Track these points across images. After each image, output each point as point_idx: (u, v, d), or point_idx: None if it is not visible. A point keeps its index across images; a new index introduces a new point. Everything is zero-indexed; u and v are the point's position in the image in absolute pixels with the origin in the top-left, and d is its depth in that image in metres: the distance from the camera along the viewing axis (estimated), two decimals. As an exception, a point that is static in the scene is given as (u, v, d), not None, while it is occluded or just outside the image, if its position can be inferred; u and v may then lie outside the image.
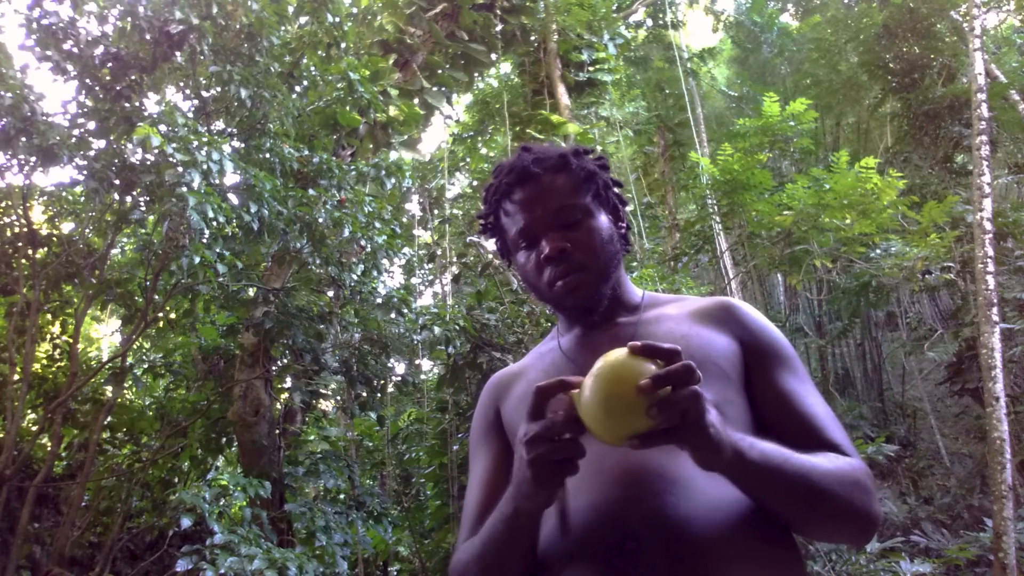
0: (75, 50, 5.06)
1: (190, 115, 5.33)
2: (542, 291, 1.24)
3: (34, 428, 6.16)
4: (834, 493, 1.00)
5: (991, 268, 5.93)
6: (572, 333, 1.29)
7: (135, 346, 6.41)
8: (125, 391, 6.62)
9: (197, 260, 4.33)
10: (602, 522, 1.01)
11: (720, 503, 1.00)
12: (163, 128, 4.43)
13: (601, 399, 0.85)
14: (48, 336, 6.25)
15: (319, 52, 6.67)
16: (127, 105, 5.16)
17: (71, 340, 5.70)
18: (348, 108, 6.49)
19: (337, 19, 6.57)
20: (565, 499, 1.07)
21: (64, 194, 5.86)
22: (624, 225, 1.31)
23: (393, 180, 6.08)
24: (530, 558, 1.07)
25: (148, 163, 4.84)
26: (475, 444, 1.32)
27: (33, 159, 4.95)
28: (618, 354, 0.89)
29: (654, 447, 0.85)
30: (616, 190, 1.33)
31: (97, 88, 5.17)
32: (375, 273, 5.65)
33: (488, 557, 1.07)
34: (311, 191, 5.34)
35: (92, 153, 5.07)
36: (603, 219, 1.25)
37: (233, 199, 4.85)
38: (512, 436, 1.23)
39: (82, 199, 5.68)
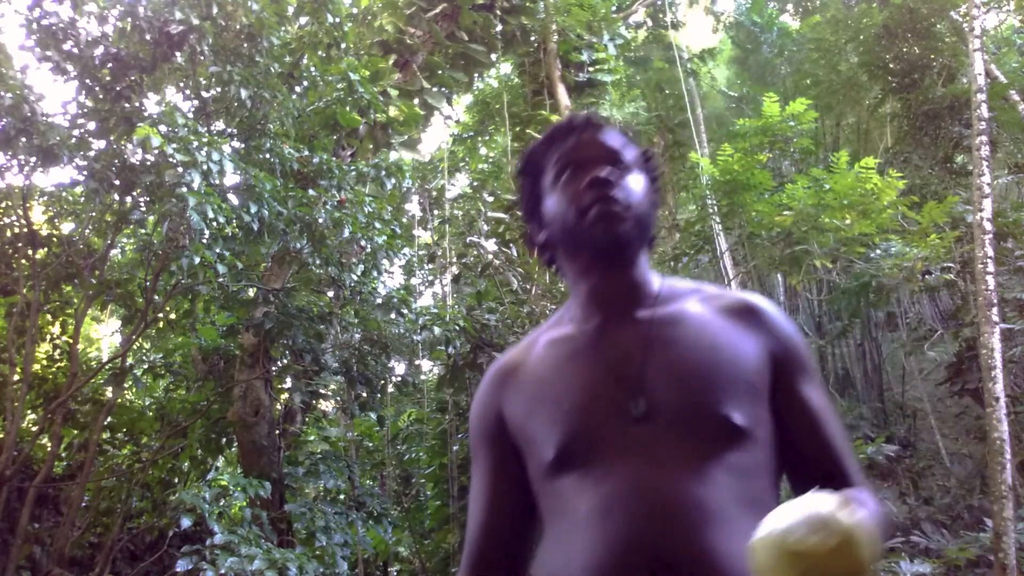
0: (75, 50, 5.06)
1: (190, 115, 5.33)
2: (570, 221, 1.15)
3: (34, 428, 6.16)
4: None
5: (991, 268, 5.92)
6: (590, 325, 1.17)
7: (135, 346, 6.41)
8: (125, 391, 6.62)
9: (197, 260, 4.33)
10: (632, 554, 0.95)
11: None
12: (163, 128, 4.43)
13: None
14: (48, 336, 6.25)
15: (319, 52, 6.67)
16: (127, 105, 5.16)
17: (71, 340, 5.70)
18: (348, 108, 6.48)
19: (337, 19, 6.57)
20: (589, 528, 1.01)
21: (64, 194, 5.86)
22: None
23: (393, 180, 6.08)
24: None
25: (148, 163, 4.84)
26: (475, 447, 1.23)
27: (33, 159, 4.95)
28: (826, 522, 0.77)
29: None
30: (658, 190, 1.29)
31: (97, 88, 5.17)
32: (375, 273, 5.65)
33: None
34: (311, 191, 5.34)
35: (92, 153, 5.08)
36: (649, 185, 1.23)
37: (233, 199, 4.85)
38: (519, 438, 1.14)
39: (82, 199, 5.69)
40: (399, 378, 7.65)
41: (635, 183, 1.19)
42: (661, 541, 0.95)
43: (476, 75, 9.71)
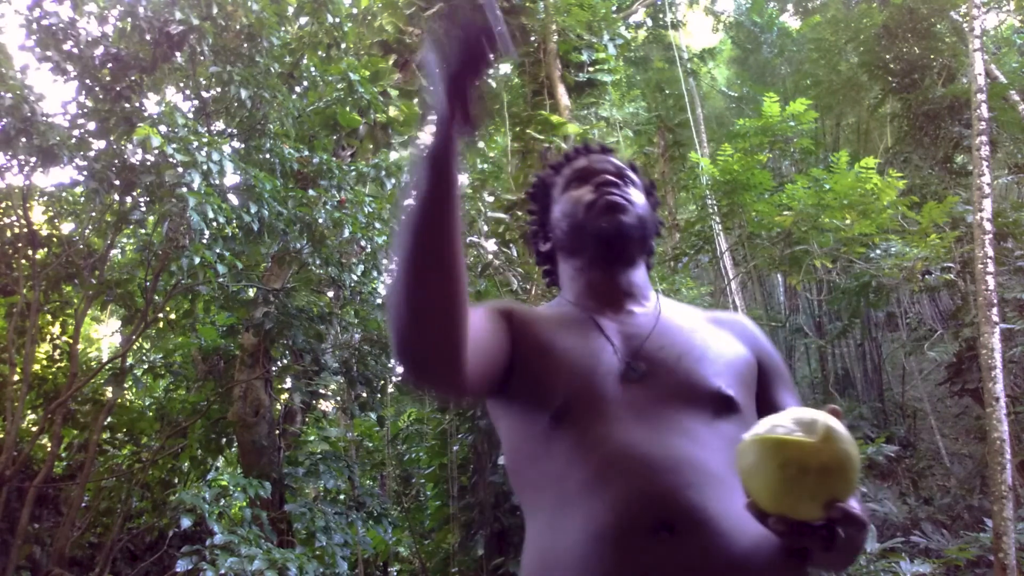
0: (75, 50, 5.07)
1: (190, 115, 5.33)
2: (579, 215, 1.28)
3: (34, 428, 6.16)
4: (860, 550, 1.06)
5: (991, 268, 5.92)
6: (587, 311, 1.24)
7: (135, 347, 6.41)
8: (125, 392, 6.62)
9: (197, 260, 4.33)
10: (636, 515, 0.97)
11: None
12: (163, 128, 4.43)
13: (784, 469, 0.82)
14: (48, 336, 6.24)
15: (319, 53, 6.66)
16: (127, 105, 5.16)
17: (71, 340, 5.70)
18: (348, 109, 6.48)
19: (337, 19, 6.56)
20: (588, 495, 1.02)
21: (64, 194, 5.87)
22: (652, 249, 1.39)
23: (393, 180, 6.07)
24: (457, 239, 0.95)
25: (148, 163, 4.84)
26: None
27: (33, 159, 4.95)
28: (823, 420, 0.85)
29: (798, 544, 0.85)
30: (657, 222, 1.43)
31: (97, 88, 5.18)
32: (375, 273, 5.65)
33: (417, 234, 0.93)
34: (311, 192, 5.34)
35: (92, 153, 5.08)
36: (649, 206, 1.37)
37: (233, 199, 4.85)
38: (525, 343, 1.15)
39: (82, 199, 5.69)
40: (399, 378, 7.63)
41: (637, 196, 1.34)
42: (663, 501, 0.98)
43: (476, 75, 9.69)
